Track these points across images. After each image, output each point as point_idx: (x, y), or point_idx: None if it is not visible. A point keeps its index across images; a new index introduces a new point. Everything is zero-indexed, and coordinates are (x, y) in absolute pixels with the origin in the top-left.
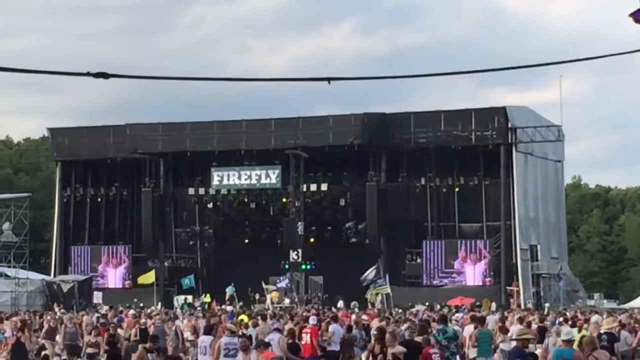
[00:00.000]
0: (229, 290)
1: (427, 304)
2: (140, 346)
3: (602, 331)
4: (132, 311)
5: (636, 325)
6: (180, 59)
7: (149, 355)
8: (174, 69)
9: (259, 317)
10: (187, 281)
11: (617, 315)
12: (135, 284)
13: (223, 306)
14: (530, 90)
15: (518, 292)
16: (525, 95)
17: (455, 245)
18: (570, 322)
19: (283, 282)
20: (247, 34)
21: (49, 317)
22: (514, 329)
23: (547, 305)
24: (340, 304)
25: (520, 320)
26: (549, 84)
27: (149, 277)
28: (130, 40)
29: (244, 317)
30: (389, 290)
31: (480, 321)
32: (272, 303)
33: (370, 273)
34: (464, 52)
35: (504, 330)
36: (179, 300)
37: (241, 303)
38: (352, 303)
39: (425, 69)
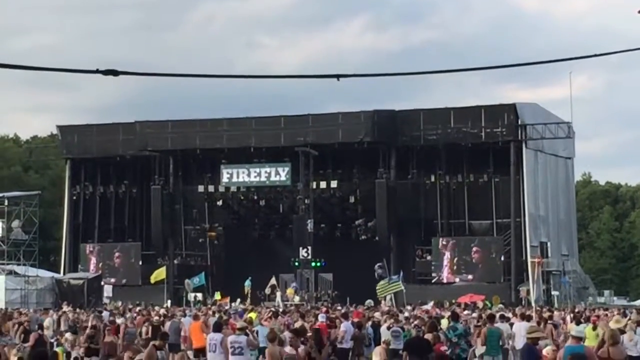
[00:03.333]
0: (247, 285)
1: (431, 302)
2: (150, 344)
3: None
4: (138, 308)
5: None
6: (190, 56)
7: (158, 352)
8: (183, 66)
9: (271, 314)
10: (197, 279)
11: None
12: (144, 282)
13: (233, 304)
14: (541, 87)
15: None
16: (536, 92)
17: (465, 242)
18: (575, 320)
19: (292, 285)
20: (257, 30)
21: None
22: (522, 325)
23: (555, 293)
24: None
25: (524, 316)
26: (560, 80)
27: (159, 274)
28: (140, 38)
29: (252, 315)
30: (402, 288)
31: (490, 318)
32: (286, 300)
33: (377, 269)
34: (474, 49)
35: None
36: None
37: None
38: (367, 301)
39: (436, 65)
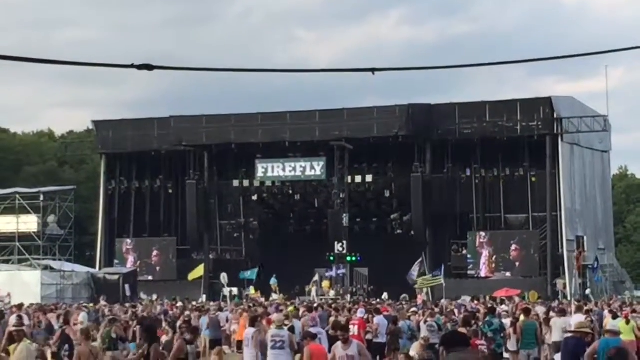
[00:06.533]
0: (273, 282)
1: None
2: (180, 337)
3: None
4: (179, 303)
5: None
6: (226, 50)
7: (188, 347)
8: (219, 60)
9: (305, 309)
10: (249, 273)
11: None
12: (180, 277)
13: (270, 298)
14: (580, 80)
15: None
16: (574, 85)
17: (501, 237)
18: (612, 315)
19: (333, 272)
20: (295, 24)
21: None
22: (571, 320)
23: (588, 291)
24: (385, 296)
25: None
26: (598, 73)
27: (197, 272)
28: (176, 31)
29: (291, 309)
30: (442, 282)
31: (526, 312)
32: (322, 295)
33: (414, 269)
34: (512, 42)
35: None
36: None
37: (281, 295)
38: (402, 296)
39: (474, 59)
